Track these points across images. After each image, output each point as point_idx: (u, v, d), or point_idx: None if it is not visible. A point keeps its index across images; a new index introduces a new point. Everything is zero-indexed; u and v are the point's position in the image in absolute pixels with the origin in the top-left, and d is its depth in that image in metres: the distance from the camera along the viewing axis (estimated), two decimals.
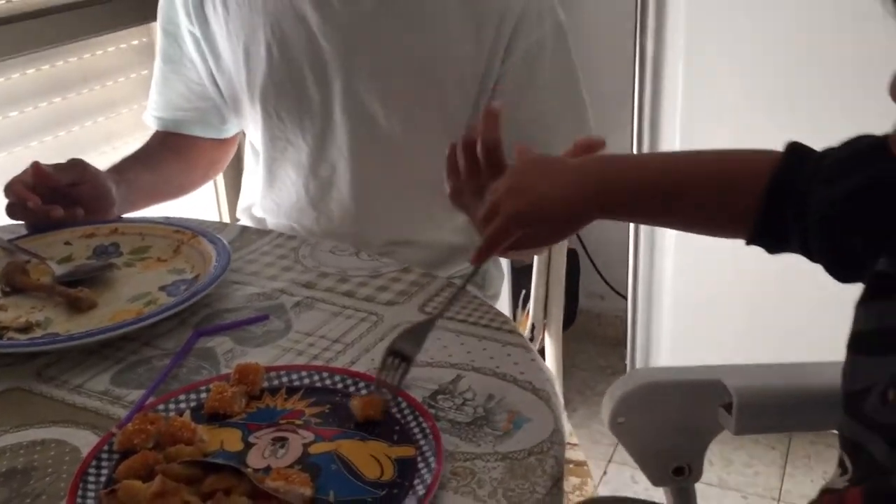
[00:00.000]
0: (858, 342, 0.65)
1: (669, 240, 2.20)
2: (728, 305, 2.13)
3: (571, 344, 2.19)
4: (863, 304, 0.65)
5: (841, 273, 0.73)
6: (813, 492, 0.69)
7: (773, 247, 0.77)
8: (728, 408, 0.77)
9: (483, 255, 0.85)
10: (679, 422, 0.80)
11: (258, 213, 1.43)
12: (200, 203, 1.98)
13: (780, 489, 2.04)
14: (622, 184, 0.81)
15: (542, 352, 1.62)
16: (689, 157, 0.85)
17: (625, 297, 2.59)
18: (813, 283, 0.89)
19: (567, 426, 0.79)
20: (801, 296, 1.87)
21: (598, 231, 2.61)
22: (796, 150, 0.76)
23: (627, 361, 2.33)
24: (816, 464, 2.09)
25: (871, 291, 0.65)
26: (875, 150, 0.70)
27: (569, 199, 0.81)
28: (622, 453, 2.27)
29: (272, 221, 1.40)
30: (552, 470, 0.73)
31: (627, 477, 2.19)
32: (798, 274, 0.93)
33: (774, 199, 0.74)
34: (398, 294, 1.03)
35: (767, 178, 0.75)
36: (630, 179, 0.81)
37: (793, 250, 0.76)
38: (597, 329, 2.76)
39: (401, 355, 0.82)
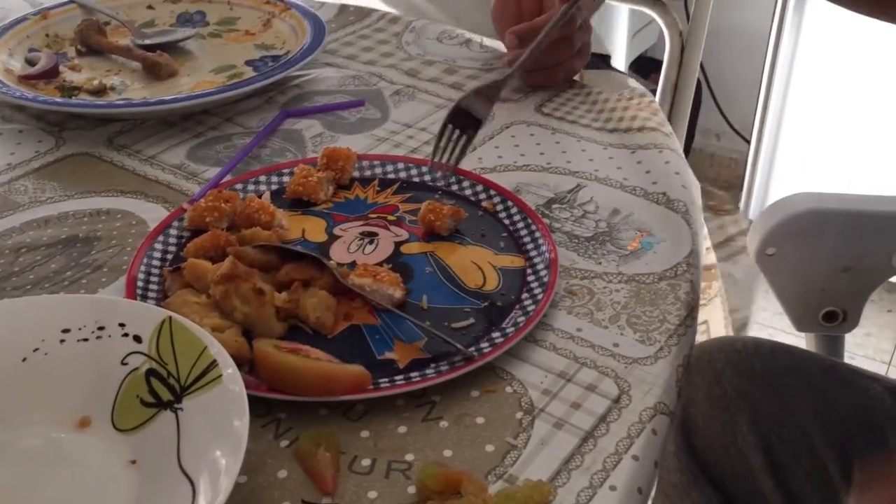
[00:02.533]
0: None
1: (806, 78, 1.97)
2: (872, 156, 1.92)
3: None
4: None
5: None
6: None
7: None
8: None
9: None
10: (842, 259, 0.66)
11: None
12: None
13: (893, 354, 1.89)
14: None
15: None
16: None
17: (744, 138, 2.39)
18: None
19: (703, 229, 0.67)
20: None
21: (726, 61, 2.37)
22: None
23: (741, 204, 2.16)
24: None
25: None
26: None
27: None
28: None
29: None
30: (687, 297, 0.61)
31: None
32: None
33: None
34: (513, 91, 0.89)
35: None
36: None
37: None
38: (708, 170, 2.56)
39: (467, 117, 0.69)
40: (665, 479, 0.69)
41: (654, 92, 1.56)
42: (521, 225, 0.67)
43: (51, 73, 0.88)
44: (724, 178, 2.55)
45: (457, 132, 0.68)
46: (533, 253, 0.64)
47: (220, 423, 0.45)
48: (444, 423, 0.51)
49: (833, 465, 0.62)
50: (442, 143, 0.69)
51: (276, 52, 0.95)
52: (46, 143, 0.80)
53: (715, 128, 2.54)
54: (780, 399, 0.65)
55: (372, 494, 0.47)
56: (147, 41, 0.95)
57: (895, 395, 0.65)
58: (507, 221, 0.68)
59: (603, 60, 1.25)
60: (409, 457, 0.49)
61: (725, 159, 2.58)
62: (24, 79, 0.86)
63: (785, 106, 2.03)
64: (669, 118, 1.62)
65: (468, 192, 0.71)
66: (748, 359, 0.67)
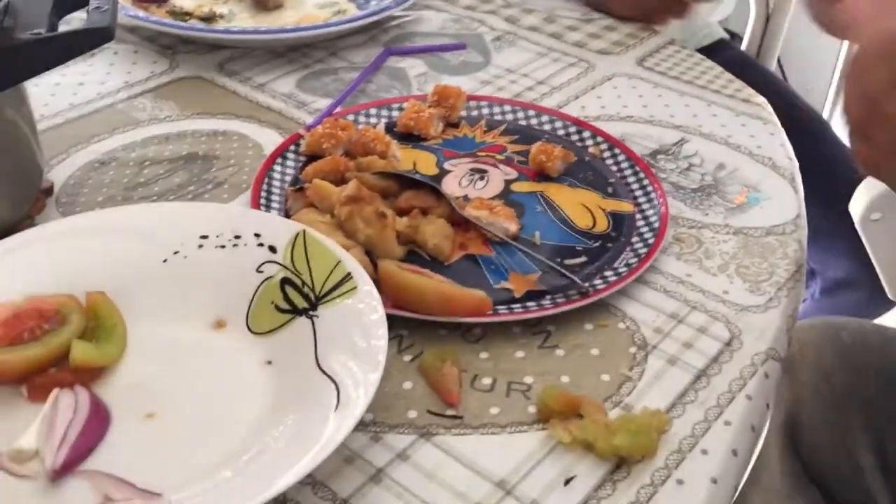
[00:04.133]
0: None
1: None
2: None
3: None
4: None
5: None
6: None
7: None
8: None
9: None
10: None
11: None
12: None
13: None
14: None
15: None
16: None
17: None
18: None
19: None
20: None
21: (803, 42, 2.33)
22: None
23: None
24: None
25: None
26: None
27: None
28: None
29: None
30: (795, 254, 0.61)
31: None
32: None
33: None
34: (613, 44, 0.90)
35: None
36: None
37: None
38: None
39: None
40: (768, 483, 0.69)
41: None
42: (628, 172, 0.68)
43: None
44: None
45: None
46: (642, 199, 0.65)
47: (359, 328, 0.47)
48: (560, 352, 0.53)
49: None
50: None
51: None
52: (161, 64, 0.82)
53: None
54: (894, 396, 0.65)
55: (494, 410, 0.49)
56: None
57: None
58: (614, 168, 0.69)
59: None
60: (528, 379, 0.51)
61: None
62: (138, 1, 0.88)
63: None
64: None
65: (574, 137, 0.72)
66: (858, 352, 0.66)
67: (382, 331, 0.47)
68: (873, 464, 0.63)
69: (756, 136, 0.75)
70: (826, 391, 0.66)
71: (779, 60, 2.39)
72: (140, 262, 0.53)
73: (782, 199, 0.67)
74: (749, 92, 0.81)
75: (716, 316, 0.56)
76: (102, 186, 0.65)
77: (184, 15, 0.88)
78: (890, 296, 0.72)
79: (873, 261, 0.70)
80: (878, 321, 0.85)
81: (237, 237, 0.54)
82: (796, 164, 0.72)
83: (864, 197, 0.67)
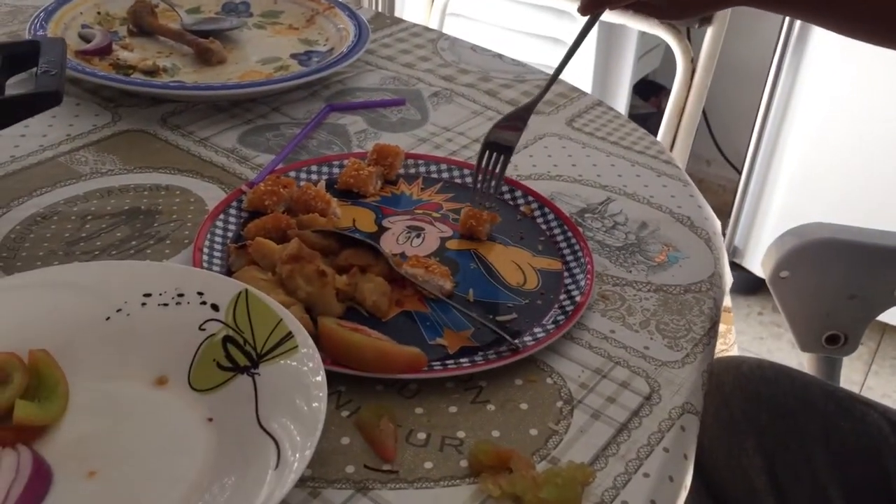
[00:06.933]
0: None
1: (803, 112, 2.04)
2: (856, 196, 1.98)
3: None
4: None
5: None
6: None
7: None
8: None
9: (592, 4, 0.69)
10: (849, 287, 0.71)
11: None
12: None
13: (863, 384, 1.97)
14: None
15: None
16: None
17: (734, 166, 2.46)
18: None
19: (728, 275, 0.71)
20: None
21: (723, 90, 2.44)
22: None
23: (727, 232, 2.23)
24: None
25: None
26: None
27: None
28: None
29: None
30: (710, 312, 0.66)
31: None
32: None
33: None
34: (544, 104, 0.94)
35: None
36: None
37: None
38: None
39: (497, 147, 0.70)
40: None
41: (652, 115, 1.63)
42: (557, 231, 0.71)
43: (105, 51, 0.91)
44: (710, 204, 2.62)
45: (493, 155, 0.71)
46: (570, 258, 0.69)
47: (300, 387, 0.49)
48: (490, 407, 0.55)
49: (833, 488, 0.67)
50: (480, 172, 0.71)
51: (320, 48, 0.99)
52: (103, 117, 0.84)
53: (706, 154, 2.61)
54: (784, 423, 0.70)
55: (428, 465, 0.51)
56: (196, 27, 0.98)
57: (889, 421, 0.70)
58: (544, 226, 0.72)
59: None
60: (461, 434, 0.53)
61: (714, 186, 2.65)
62: (80, 54, 0.90)
63: (777, 141, 2.10)
64: (674, 139, 1.69)
65: (507, 196, 0.76)
66: (755, 382, 0.71)
67: (322, 391, 0.49)
68: (766, 484, 0.68)
69: (677, 196, 0.80)
70: (725, 416, 0.71)
71: (703, 110, 2.50)
72: (83, 320, 0.54)
73: (699, 258, 0.71)
74: (669, 154, 0.87)
75: (637, 371, 0.59)
76: (44, 241, 0.66)
77: (127, 68, 0.90)
78: (799, 348, 0.77)
79: (784, 316, 0.75)
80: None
81: (180, 295, 0.56)
82: (714, 223, 0.77)
83: (773, 256, 0.72)
